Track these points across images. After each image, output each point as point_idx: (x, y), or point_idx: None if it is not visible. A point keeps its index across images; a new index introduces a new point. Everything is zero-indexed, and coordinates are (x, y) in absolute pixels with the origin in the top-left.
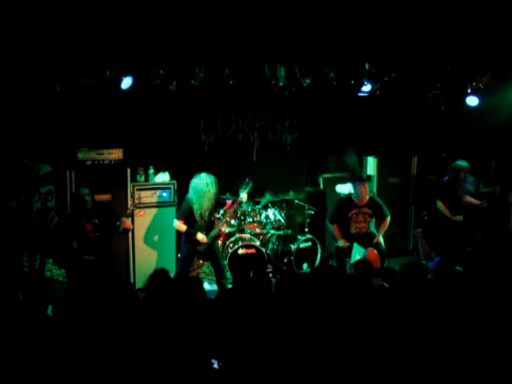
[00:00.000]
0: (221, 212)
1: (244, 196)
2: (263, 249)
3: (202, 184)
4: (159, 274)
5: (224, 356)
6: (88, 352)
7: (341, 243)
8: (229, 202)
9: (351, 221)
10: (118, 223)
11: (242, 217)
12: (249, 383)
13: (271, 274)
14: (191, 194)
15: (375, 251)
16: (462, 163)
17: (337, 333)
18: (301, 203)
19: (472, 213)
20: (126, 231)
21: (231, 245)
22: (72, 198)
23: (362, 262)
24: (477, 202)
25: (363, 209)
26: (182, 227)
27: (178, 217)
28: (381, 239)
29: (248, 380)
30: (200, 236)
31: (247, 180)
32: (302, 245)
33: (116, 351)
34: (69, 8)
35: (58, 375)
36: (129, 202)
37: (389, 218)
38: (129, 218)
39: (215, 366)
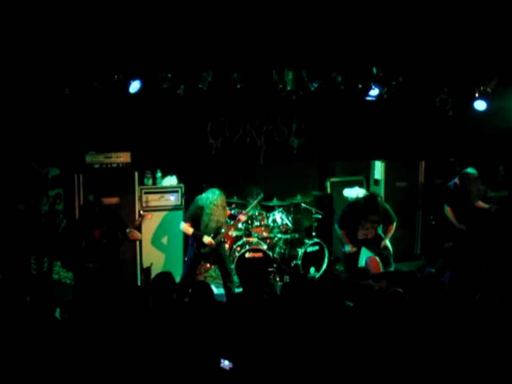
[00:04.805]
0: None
1: (242, 217)
2: (270, 253)
3: (213, 201)
4: (163, 278)
5: (234, 359)
6: (96, 354)
7: (348, 248)
8: (239, 217)
9: (359, 227)
10: (127, 230)
11: (249, 221)
12: None
13: (273, 275)
14: (202, 201)
15: (377, 258)
16: (472, 171)
17: (345, 336)
18: (308, 207)
19: (480, 219)
20: (134, 240)
21: (238, 249)
22: (81, 204)
23: (360, 270)
24: (487, 206)
25: (371, 216)
26: (189, 229)
27: (185, 220)
28: (388, 243)
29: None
30: (207, 239)
31: (259, 190)
32: (309, 249)
33: (123, 354)
34: (78, 13)
35: (67, 377)
36: (137, 215)
37: (395, 224)
38: (137, 229)
39: (224, 365)
